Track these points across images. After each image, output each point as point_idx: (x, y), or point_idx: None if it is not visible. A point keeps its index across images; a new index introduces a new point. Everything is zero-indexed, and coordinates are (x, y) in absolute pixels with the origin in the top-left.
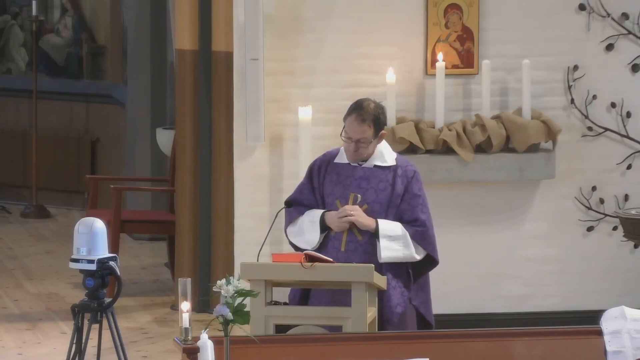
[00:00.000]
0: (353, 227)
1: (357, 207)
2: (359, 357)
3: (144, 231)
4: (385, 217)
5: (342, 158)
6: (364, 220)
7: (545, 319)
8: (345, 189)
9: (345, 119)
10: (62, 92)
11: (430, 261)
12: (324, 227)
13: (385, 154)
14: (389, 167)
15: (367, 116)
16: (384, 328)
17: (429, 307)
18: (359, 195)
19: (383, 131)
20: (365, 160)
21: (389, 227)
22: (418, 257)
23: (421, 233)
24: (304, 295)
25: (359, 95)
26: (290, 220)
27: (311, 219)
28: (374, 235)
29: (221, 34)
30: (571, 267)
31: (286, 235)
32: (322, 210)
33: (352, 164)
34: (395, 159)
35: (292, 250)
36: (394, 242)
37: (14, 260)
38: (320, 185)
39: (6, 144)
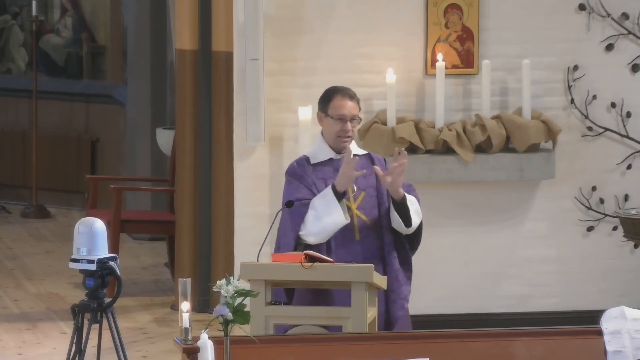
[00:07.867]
0: (359, 212)
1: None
2: (359, 357)
3: (144, 231)
4: (380, 198)
5: (317, 158)
6: (400, 183)
7: (545, 319)
8: None
9: (325, 103)
10: (62, 92)
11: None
12: (339, 195)
13: (355, 145)
14: (364, 155)
15: (352, 94)
16: (389, 327)
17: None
18: (354, 186)
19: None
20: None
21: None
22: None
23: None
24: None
25: (359, 95)
26: (299, 221)
27: (323, 201)
28: (394, 203)
29: (221, 34)
30: (571, 267)
31: (299, 240)
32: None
33: (334, 158)
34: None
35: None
36: (414, 207)
37: (14, 260)
38: (313, 183)
39: (6, 144)
